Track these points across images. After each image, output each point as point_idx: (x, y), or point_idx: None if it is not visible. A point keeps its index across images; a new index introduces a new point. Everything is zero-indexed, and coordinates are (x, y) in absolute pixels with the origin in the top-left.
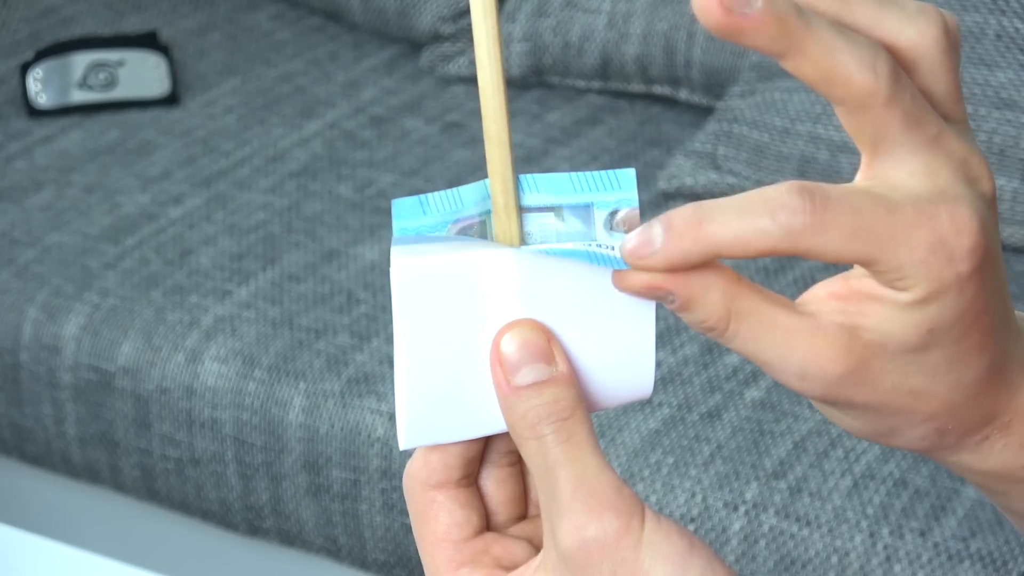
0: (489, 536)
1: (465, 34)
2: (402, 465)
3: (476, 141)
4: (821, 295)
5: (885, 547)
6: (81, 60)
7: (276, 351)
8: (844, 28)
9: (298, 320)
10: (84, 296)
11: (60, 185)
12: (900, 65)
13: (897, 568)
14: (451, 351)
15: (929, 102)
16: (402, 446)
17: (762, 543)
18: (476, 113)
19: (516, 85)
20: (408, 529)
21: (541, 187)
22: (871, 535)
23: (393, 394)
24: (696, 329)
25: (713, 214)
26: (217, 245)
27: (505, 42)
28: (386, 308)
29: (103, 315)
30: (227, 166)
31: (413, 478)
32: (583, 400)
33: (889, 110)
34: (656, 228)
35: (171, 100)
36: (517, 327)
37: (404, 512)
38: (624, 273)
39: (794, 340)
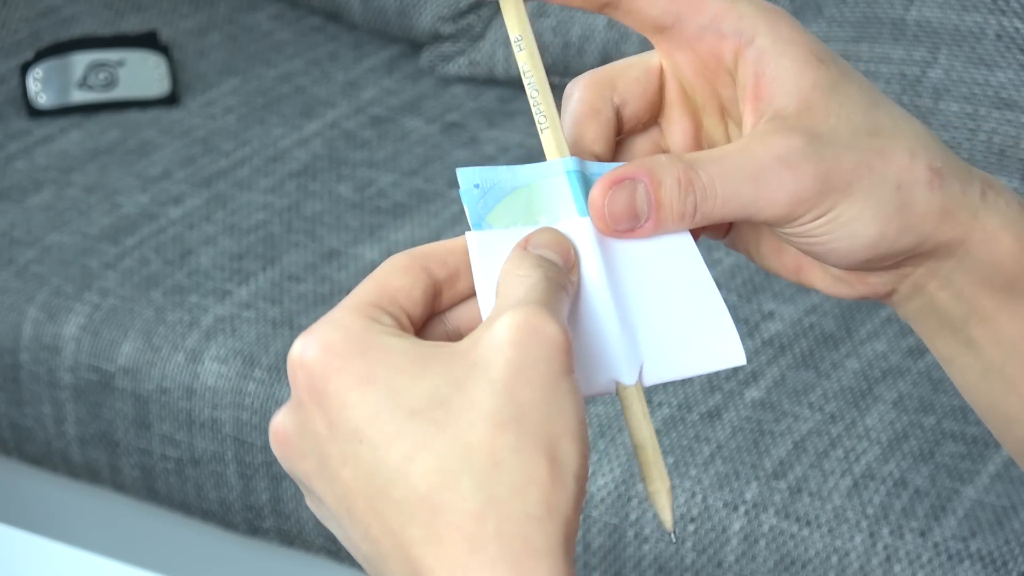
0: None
1: (465, 34)
2: None
3: (476, 141)
4: (742, 127)
5: (885, 547)
6: (81, 60)
7: (276, 351)
8: None
9: (298, 320)
10: (84, 296)
11: (60, 185)
12: None
13: (897, 568)
14: None
15: None
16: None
17: (762, 543)
18: (476, 113)
19: (516, 85)
20: None
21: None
22: (871, 535)
23: None
24: (675, 212)
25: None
26: (217, 245)
27: (505, 42)
28: None
29: (103, 315)
30: (227, 166)
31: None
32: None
33: None
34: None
35: (171, 100)
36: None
37: None
38: (596, 203)
39: (752, 150)
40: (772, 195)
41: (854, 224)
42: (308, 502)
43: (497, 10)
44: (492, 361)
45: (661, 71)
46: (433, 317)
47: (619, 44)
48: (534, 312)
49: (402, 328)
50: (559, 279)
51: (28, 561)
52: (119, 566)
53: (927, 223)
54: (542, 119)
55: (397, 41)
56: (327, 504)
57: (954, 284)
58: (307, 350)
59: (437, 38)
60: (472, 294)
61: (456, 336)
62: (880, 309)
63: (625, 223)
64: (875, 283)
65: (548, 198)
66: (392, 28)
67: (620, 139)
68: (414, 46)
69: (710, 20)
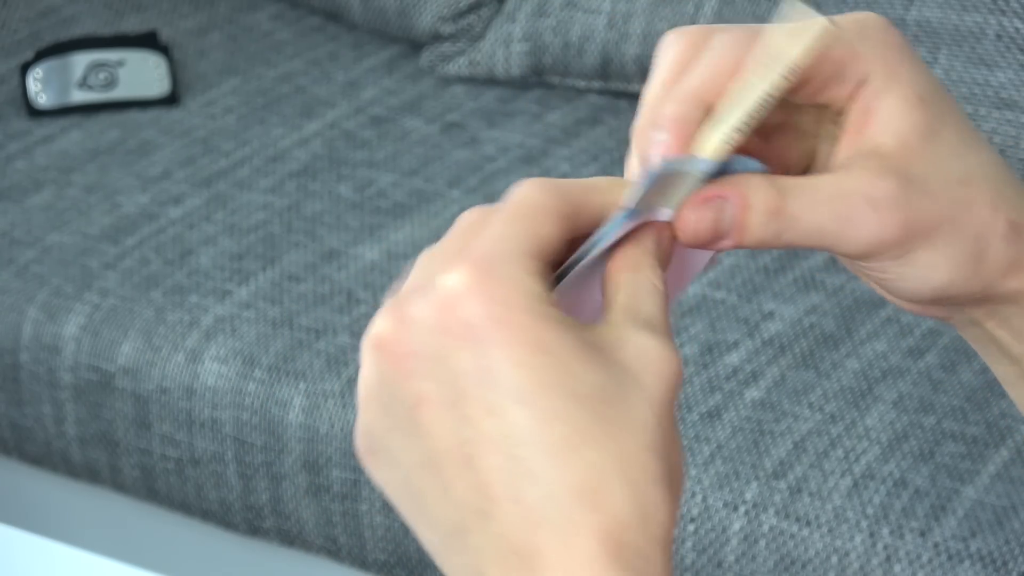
0: None
1: (465, 34)
2: None
3: (476, 141)
4: (835, 153)
5: (885, 547)
6: (81, 60)
7: (276, 351)
8: None
9: (298, 320)
10: (84, 296)
11: (60, 185)
12: None
13: (897, 568)
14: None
15: None
16: None
17: (762, 543)
18: (476, 113)
19: (516, 85)
20: (408, 529)
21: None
22: (871, 535)
23: None
24: (756, 237)
25: (681, 83)
26: (217, 245)
27: (505, 42)
28: None
29: (103, 315)
30: (227, 166)
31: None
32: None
33: None
34: (656, 135)
35: (171, 100)
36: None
37: None
38: (684, 217)
39: (844, 187)
40: (854, 235)
41: (926, 270)
42: (370, 412)
43: (501, 9)
44: (646, 381)
45: None
46: None
47: (619, 44)
48: (675, 351)
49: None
50: None
51: (28, 561)
52: (119, 566)
53: (995, 274)
54: (743, 126)
55: (397, 41)
56: (435, 435)
57: (1012, 326)
58: (470, 291)
59: (437, 38)
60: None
61: None
62: (880, 309)
63: (706, 240)
64: (932, 309)
65: (677, 192)
66: (392, 28)
67: None
68: (414, 46)
69: (834, 69)
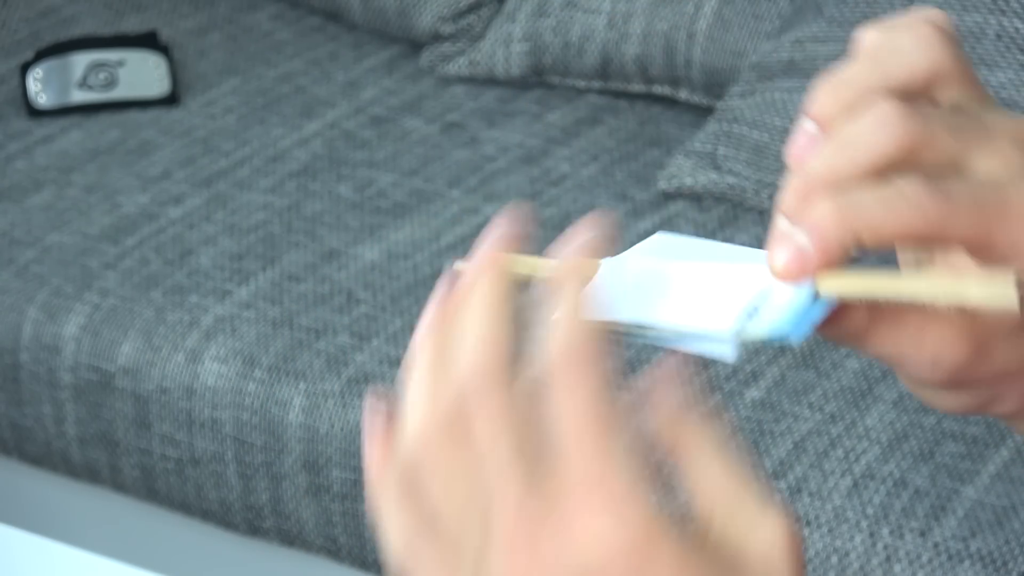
0: None
1: (465, 34)
2: None
3: (476, 141)
4: (936, 274)
5: (885, 547)
6: (81, 60)
7: (276, 351)
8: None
9: (298, 320)
10: (84, 296)
11: (60, 185)
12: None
13: (897, 568)
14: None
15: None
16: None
17: None
18: (476, 113)
19: (516, 85)
20: None
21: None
22: (871, 535)
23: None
24: (834, 338)
25: (852, 206)
26: (217, 245)
27: (505, 42)
28: (386, 308)
29: (103, 315)
30: (227, 166)
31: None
32: None
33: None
34: (800, 238)
35: (171, 100)
36: None
37: None
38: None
39: (925, 332)
40: (904, 370)
41: (942, 400)
42: None
43: (494, 13)
44: (782, 570)
45: None
46: None
47: (619, 44)
48: (790, 520)
49: None
50: None
51: (28, 561)
52: (119, 566)
53: (1007, 413)
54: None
55: (397, 41)
56: None
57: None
58: (620, 542)
59: (437, 38)
60: None
61: None
62: None
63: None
64: None
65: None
66: (392, 28)
67: None
68: (414, 46)
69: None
